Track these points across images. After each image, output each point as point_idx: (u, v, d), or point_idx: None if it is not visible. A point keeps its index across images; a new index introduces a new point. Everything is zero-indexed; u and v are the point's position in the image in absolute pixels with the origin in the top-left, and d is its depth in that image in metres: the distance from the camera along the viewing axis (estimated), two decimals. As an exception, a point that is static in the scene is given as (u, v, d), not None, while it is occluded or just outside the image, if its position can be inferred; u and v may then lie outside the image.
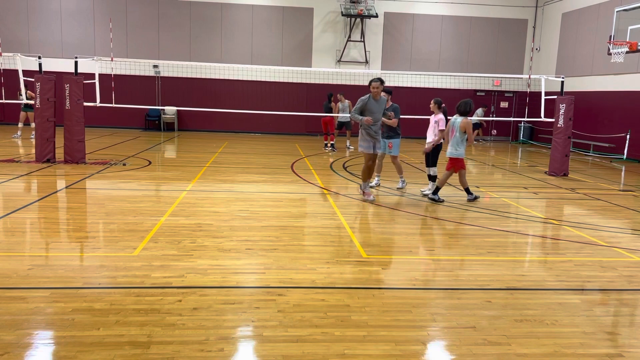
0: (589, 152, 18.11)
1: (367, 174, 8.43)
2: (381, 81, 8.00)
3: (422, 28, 22.21)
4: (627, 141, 16.29)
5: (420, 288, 4.68)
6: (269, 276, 4.80)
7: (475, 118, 20.39)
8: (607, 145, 17.38)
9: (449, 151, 8.61)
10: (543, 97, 12.86)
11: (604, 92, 17.96)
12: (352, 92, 20.40)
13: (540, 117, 12.92)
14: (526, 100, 16.61)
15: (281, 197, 8.75)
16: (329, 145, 16.29)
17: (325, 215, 7.38)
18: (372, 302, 4.29)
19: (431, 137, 9.01)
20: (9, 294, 4.19)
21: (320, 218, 7.24)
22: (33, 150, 11.83)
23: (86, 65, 14.04)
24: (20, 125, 16.66)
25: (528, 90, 18.52)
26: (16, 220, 6.54)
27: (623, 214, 8.31)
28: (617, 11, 12.79)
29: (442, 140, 8.94)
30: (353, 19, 21.25)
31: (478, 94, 22.84)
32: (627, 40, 12.09)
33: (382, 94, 9.07)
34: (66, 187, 8.90)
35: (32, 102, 12.37)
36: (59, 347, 3.36)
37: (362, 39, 21.48)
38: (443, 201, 8.60)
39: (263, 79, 21.16)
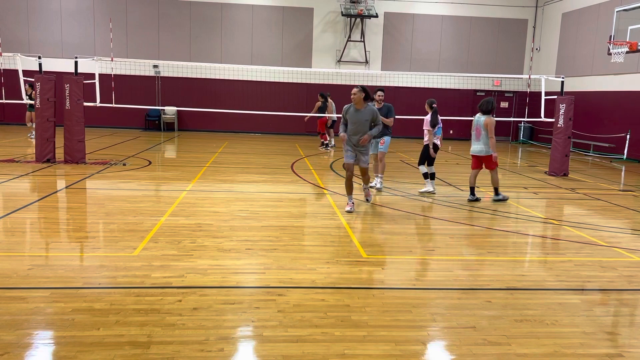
0: (589, 152, 18.11)
1: (348, 187, 7.70)
2: (361, 88, 7.25)
3: (422, 28, 22.20)
4: (627, 141, 16.29)
5: (420, 288, 4.68)
6: (269, 276, 4.80)
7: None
8: (607, 145, 17.38)
9: (480, 149, 8.61)
10: (543, 97, 12.87)
11: (604, 92, 17.96)
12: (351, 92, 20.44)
13: (540, 117, 12.92)
14: (526, 100, 16.61)
15: (281, 197, 8.75)
16: (324, 144, 16.55)
17: (325, 215, 7.38)
18: (372, 302, 4.29)
19: (426, 136, 9.21)
20: (9, 294, 4.19)
21: (320, 218, 7.24)
22: (33, 150, 11.83)
23: (86, 65, 14.04)
24: (29, 125, 16.59)
25: (528, 90, 18.53)
26: (16, 220, 6.54)
27: (623, 214, 8.31)
28: (617, 11, 12.79)
29: (434, 139, 9.10)
30: (353, 19, 21.25)
31: (478, 94, 22.83)
32: (627, 40, 12.09)
33: (378, 93, 9.08)
34: (66, 187, 8.90)
35: (32, 102, 12.37)
36: (59, 347, 3.36)
37: (362, 39, 21.47)
38: (508, 199, 8.86)
39: (263, 79, 21.15)
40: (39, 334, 3.54)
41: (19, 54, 12.59)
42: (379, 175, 9.46)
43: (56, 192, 8.59)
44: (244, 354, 3.42)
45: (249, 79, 21.29)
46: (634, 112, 16.45)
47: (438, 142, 9.19)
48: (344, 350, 3.44)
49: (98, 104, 12.45)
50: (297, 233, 6.39)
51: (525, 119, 16.73)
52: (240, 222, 6.82)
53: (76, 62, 11.91)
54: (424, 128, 9.14)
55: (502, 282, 4.93)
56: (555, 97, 12.43)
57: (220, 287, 4.50)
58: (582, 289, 4.83)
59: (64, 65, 18.85)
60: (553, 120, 12.48)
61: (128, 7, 20.98)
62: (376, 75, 21.52)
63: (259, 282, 4.69)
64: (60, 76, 11.95)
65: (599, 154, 17.66)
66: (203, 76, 21.10)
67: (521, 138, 22.10)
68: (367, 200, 8.26)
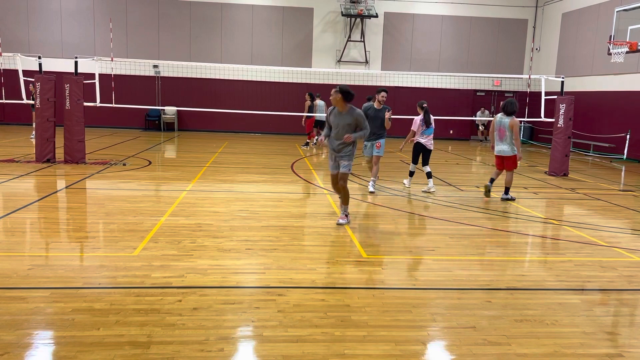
0: (589, 152, 18.11)
1: (345, 196, 6.93)
2: (339, 89, 6.53)
3: (422, 28, 22.21)
4: (627, 141, 16.29)
5: (420, 288, 4.68)
6: (269, 276, 4.80)
7: (485, 118, 20.43)
8: (607, 145, 17.38)
9: (505, 149, 8.73)
10: (543, 97, 12.86)
11: (604, 92, 17.96)
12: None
13: (540, 117, 12.92)
14: (526, 100, 16.59)
15: (281, 197, 8.75)
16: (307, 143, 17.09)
17: (325, 215, 7.38)
18: (372, 302, 4.29)
19: (418, 135, 9.51)
20: (9, 294, 4.19)
21: (320, 218, 7.24)
22: (33, 150, 11.83)
23: (86, 65, 14.04)
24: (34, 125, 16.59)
25: (528, 90, 18.50)
26: (16, 220, 6.54)
27: (623, 214, 8.31)
28: (617, 11, 12.79)
29: (419, 137, 9.42)
30: (353, 19, 21.25)
31: (478, 94, 22.84)
32: (627, 40, 12.08)
33: (381, 94, 8.91)
34: (66, 187, 8.90)
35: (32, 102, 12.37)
36: (59, 347, 3.36)
37: (362, 39, 21.48)
38: (514, 199, 8.90)
39: (263, 79, 21.15)
40: (39, 334, 3.54)
41: (19, 54, 12.58)
42: (372, 178, 9.27)
43: (56, 192, 8.59)
44: (244, 354, 3.42)
45: (249, 79, 21.29)
46: (634, 112, 16.45)
47: (422, 140, 9.40)
48: (344, 350, 3.44)
49: (98, 104, 12.45)
50: (297, 233, 6.39)
51: (525, 119, 16.69)
52: (240, 222, 6.82)
53: (76, 62, 11.91)
54: (412, 129, 9.49)
55: (502, 282, 4.93)
56: (555, 97, 12.43)
57: (220, 287, 4.50)
58: (582, 289, 4.83)
59: (64, 65, 18.85)
60: (553, 120, 12.48)
61: (128, 7, 20.98)
62: (376, 75, 21.52)
63: (259, 282, 4.68)
64: (60, 76, 11.96)
65: (599, 154, 17.66)
66: (203, 76, 21.10)
67: (521, 138, 22.12)
68: (338, 222, 6.86)
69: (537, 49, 22.45)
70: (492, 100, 23.04)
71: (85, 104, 11.53)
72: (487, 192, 9.04)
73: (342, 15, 20.76)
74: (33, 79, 11.43)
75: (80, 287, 4.38)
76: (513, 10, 22.44)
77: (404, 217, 7.63)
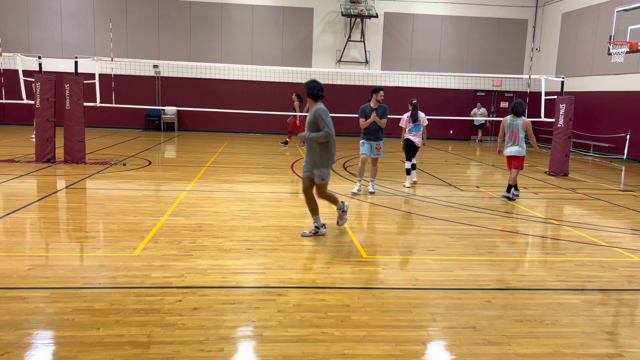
0: (589, 152, 18.11)
1: (309, 205, 6.32)
2: (306, 87, 6.20)
3: (422, 28, 22.20)
4: (627, 141, 16.29)
5: (420, 288, 4.68)
6: (269, 276, 4.80)
7: (481, 118, 20.37)
8: (607, 145, 17.38)
9: (516, 150, 8.98)
10: (543, 97, 12.87)
11: (604, 92, 17.96)
12: (352, 92, 20.48)
13: (541, 117, 12.92)
14: (526, 101, 16.57)
15: (281, 197, 8.75)
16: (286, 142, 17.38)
17: (325, 215, 7.37)
18: (372, 302, 4.29)
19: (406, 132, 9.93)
20: (9, 294, 4.19)
21: (320, 218, 7.23)
22: (33, 150, 11.83)
23: (86, 65, 14.03)
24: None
25: (528, 90, 18.51)
26: (16, 220, 6.54)
27: (623, 214, 8.31)
28: (617, 11, 12.79)
29: (407, 134, 9.83)
30: (353, 19, 21.24)
31: (478, 94, 22.83)
32: (627, 40, 12.08)
33: (380, 93, 8.69)
34: (66, 187, 8.90)
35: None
36: (59, 347, 3.36)
37: (362, 39, 21.47)
38: (514, 199, 8.99)
39: (263, 79, 21.15)
40: (39, 334, 3.54)
41: (19, 54, 12.60)
42: (371, 178, 9.25)
43: (56, 192, 8.59)
44: (244, 354, 3.42)
45: (249, 79, 21.29)
46: (634, 112, 16.44)
47: (410, 137, 9.78)
48: (344, 350, 3.44)
49: (98, 104, 12.45)
50: (297, 233, 6.38)
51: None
52: (240, 222, 6.81)
53: (76, 62, 11.91)
54: (400, 125, 9.96)
55: (502, 282, 4.93)
56: (555, 97, 12.43)
57: (220, 287, 4.49)
58: (582, 289, 4.83)
59: (64, 65, 18.84)
60: (553, 120, 12.48)
61: (128, 7, 20.97)
62: (376, 75, 21.52)
63: (259, 282, 4.68)
64: (60, 76, 11.96)
65: (599, 154, 17.66)
66: (203, 76, 21.10)
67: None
68: (310, 233, 6.26)
69: (537, 49, 22.44)
70: (492, 100, 23.03)
71: (85, 104, 11.53)
72: (510, 195, 9.06)
73: (342, 15, 20.75)
74: (33, 79, 11.43)
75: (80, 287, 4.38)
76: (513, 10, 22.44)
77: (404, 217, 7.63)
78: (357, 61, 21.86)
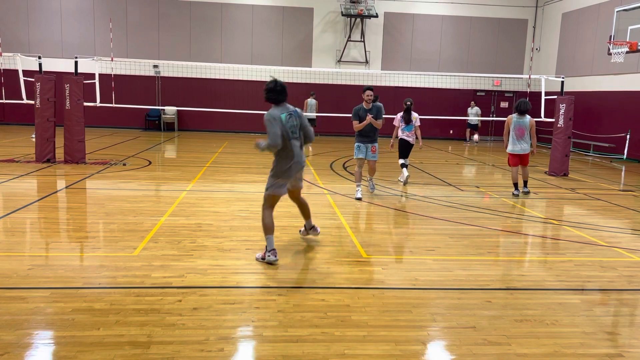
0: (589, 152, 18.11)
1: (300, 210, 5.95)
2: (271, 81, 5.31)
3: (422, 28, 22.20)
4: (627, 141, 16.29)
5: (420, 288, 4.68)
6: (269, 276, 4.80)
7: (475, 118, 20.31)
8: (607, 145, 17.38)
9: (525, 147, 9.29)
10: (543, 97, 12.87)
11: (604, 92, 17.96)
12: (352, 92, 20.46)
13: (541, 117, 12.92)
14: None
15: (281, 197, 8.73)
16: None
17: (325, 215, 7.37)
18: (372, 302, 4.29)
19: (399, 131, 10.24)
20: (9, 294, 4.19)
21: (320, 218, 7.23)
22: (33, 150, 11.83)
23: (86, 65, 14.03)
24: None
25: (528, 90, 18.52)
26: (16, 220, 6.54)
27: (623, 214, 8.31)
28: (617, 11, 12.79)
29: (400, 134, 10.17)
30: (353, 19, 21.24)
31: (478, 94, 22.83)
32: (627, 40, 12.09)
33: (366, 93, 8.16)
34: (66, 187, 8.90)
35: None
36: (59, 347, 3.36)
37: (362, 39, 21.47)
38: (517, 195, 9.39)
39: (263, 79, 21.04)
40: (39, 334, 3.54)
41: (19, 54, 12.60)
42: (370, 177, 9.09)
43: (56, 192, 8.59)
44: (244, 354, 3.42)
45: (249, 78, 21.28)
46: (634, 112, 16.44)
47: (404, 136, 10.12)
48: (344, 350, 3.44)
49: (98, 104, 12.45)
50: (297, 233, 6.38)
51: (525, 119, 16.75)
52: (240, 222, 6.81)
53: (76, 62, 11.91)
54: (394, 124, 10.24)
55: (502, 282, 4.93)
56: (555, 97, 12.43)
57: (220, 287, 4.49)
58: (582, 289, 4.83)
59: (64, 65, 18.84)
60: (553, 120, 12.48)
61: (128, 7, 20.97)
62: (376, 75, 21.52)
63: (259, 282, 4.68)
64: (60, 76, 11.96)
65: (599, 154, 17.66)
66: (203, 76, 21.09)
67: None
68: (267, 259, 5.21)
69: (537, 49, 22.44)
70: (492, 100, 23.03)
71: (85, 104, 11.53)
72: (519, 192, 9.45)
73: (342, 15, 20.75)
74: (33, 79, 11.43)
75: (80, 287, 4.38)
76: (513, 10, 22.44)
77: (404, 217, 7.63)
78: (357, 61, 21.86)
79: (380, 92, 16.55)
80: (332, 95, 20.72)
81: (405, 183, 10.05)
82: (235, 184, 9.79)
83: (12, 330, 3.55)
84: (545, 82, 13.03)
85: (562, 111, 12.14)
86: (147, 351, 3.33)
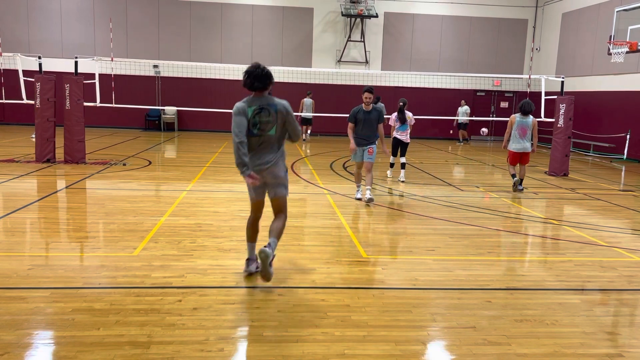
0: (589, 152, 18.11)
1: (249, 231, 4.87)
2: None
3: (422, 28, 22.21)
4: (627, 141, 16.29)
5: (420, 288, 4.68)
6: (269, 276, 4.79)
7: (464, 118, 20.18)
8: (607, 145, 17.38)
9: (527, 146, 9.62)
10: (543, 97, 12.87)
11: (604, 92, 17.96)
12: (352, 92, 20.47)
13: (541, 117, 12.91)
14: (526, 100, 16.67)
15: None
16: None
17: (325, 215, 7.38)
18: (372, 302, 4.29)
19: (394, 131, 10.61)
20: (9, 294, 4.19)
21: (320, 218, 7.24)
22: (33, 150, 11.83)
23: (86, 65, 14.03)
24: None
25: (528, 90, 18.52)
26: (16, 220, 6.54)
27: (623, 214, 8.31)
28: (617, 11, 12.80)
29: (395, 133, 10.56)
30: (353, 19, 21.25)
31: (478, 94, 22.83)
32: (627, 40, 12.09)
33: (365, 95, 7.85)
34: (66, 187, 8.90)
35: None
36: (59, 347, 3.36)
37: (362, 39, 21.47)
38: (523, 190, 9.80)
39: (263, 79, 21.11)
40: (39, 334, 3.54)
41: (19, 54, 12.60)
42: (368, 187, 8.26)
43: (56, 192, 8.59)
44: (244, 354, 3.42)
45: (249, 79, 21.25)
46: (634, 112, 16.45)
47: (397, 135, 10.50)
48: (344, 350, 3.44)
49: (98, 104, 12.45)
50: (297, 233, 6.39)
51: (525, 119, 16.75)
52: (240, 222, 6.81)
53: (76, 62, 11.91)
54: (389, 123, 10.58)
55: (502, 282, 4.93)
56: (555, 97, 12.43)
57: (220, 287, 4.49)
58: (582, 289, 4.83)
59: (64, 65, 18.84)
60: (553, 120, 12.48)
61: (128, 7, 20.97)
62: (376, 75, 21.53)
63: (259, 282, 4.68)
64: (60, 76, 11.95)
65: (599, 154, 17.66)
66: (203, 76, 21.09)
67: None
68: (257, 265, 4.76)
69: (537, 49, 22.44)
70: (492, 100, 23.03)
71: (85, 104, 11.53)
72: (516, 185, 9.82)
73: (342, 15, 20.75)
74: (33, 79, 11.43)
75: (80, 287, 4.38)
76: (513, 10, 22.44)
77: (404, 217, 7.63)
78: (357, 61, 21.86)
79: (380, 92, 16.56)
80: (332, 96, 20.73)
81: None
82: (235, 184, 9.79)
83: (12, 330, 3.55)
84: (545, 82, 13.03)
85: (562, 111, 12.14)
86: (147, 351, 3.33)
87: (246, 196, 8.47)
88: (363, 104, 8.08)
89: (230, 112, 4.62)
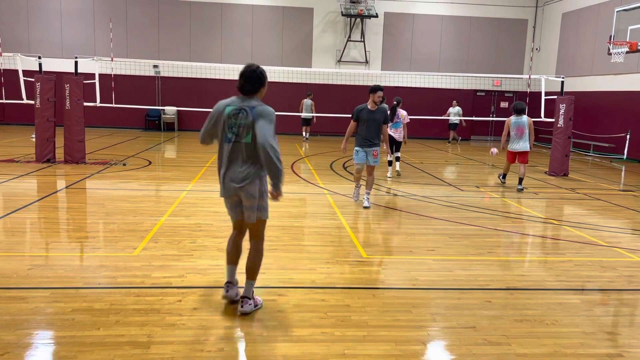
0: (589, 152, 18.11)
1: (229, 250, 4.29)
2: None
3: (422, 28, 22.21)
4: (627, 141, 16.29)
5: (420, 288, 4.68)
6: (269, 276, 4.80)
7: (456, 118, 20.07)
8: (607, 145, 17.38)
9: (524, 146, 9.91)
10: (543, 97, 12.87)
11: (604, 92, 17.96)
12: (352, 92, 20.48)
13: (540, 117, 12.92)
14: (526, 101, 16.59)
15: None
16: None
17: (325, 215, 7.38)
18: (372, 302, 4.29)
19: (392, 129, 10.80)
20: (9, 294, 4.19)
21: (320, 218, 7.24)
22: (33, 150, 11.83)
23: (86, 65, 14.03)
24: None
25: (528, 90, 18.51)
26: (16, 220, 6.54)
27: (623, 214, 8.31)
28: (617, 11, 12.79)
29: (390, 132, 10.63)
30: (353, 19, 21.25)
31: (478, 94, 22.83)
32: (627, 40, 12.09)
33: (377, 93, 7.57)
34: (66, 187, 8.90)
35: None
36: (59, 347, 3.36)
37: (362, 39, 21.47)
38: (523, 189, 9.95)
39: (263, 79, 21.12)
40: (39, 334, 3.54)
41: (19, 54, 12.59)
42: (367, 191, 7.98)
43: (56, 192, 8.59)
44: (243, 354, 3.42)
45: (249, 79, 21.26)
46: (634, 112, 16.45)
47: (391, 133, 10.63)
48: (344, 350, 3.44)
49: (98, 104, 12.45)
50: (297, 233, 6.39)
51: (525, 119, 16.76)
52: (240, 222, 6.80)
53: (76, 62, 11.91)
54: None
55: (502, 282, 4.93)
56: (555, 97, 12.43)
57: (220, 287, 4.48)
58: (582, 289, 4.83)
59: (64, 65, 18.83)
60: (553, 120, 12.48)
61: (128, 7, 20.97)
62: (376, 75, 21.52)
63: (259, 282, 4.66)
64: (60, 76, 11.95)
65: (599, 154, 17.66)
66: (203, 76, 21.09)
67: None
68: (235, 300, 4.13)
69: (537, 49, 22.44)
70: (492, 100, 23.03)
71: (85, 104, 11.53)
72: (502, 177, 10.60)
73: (342, 15, 20.75)
74: (33, 79, 11.43)
75: (80, 287, 4.38)
76: (513, 10, 22.44)
77: (404, 217, 7.63)
78: (357, 61, 21.86)
79: (380, 92, 16.56)
80: (332, 96, 20.74)
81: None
82: (235, 184, 9.78)
83: (12, 330, 3.55)
84: (545, 82, 13.03)
85: (562, 111, 12.14)
86: (147, 351, 3.33)
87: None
88: (368, 103, 7.71)
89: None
